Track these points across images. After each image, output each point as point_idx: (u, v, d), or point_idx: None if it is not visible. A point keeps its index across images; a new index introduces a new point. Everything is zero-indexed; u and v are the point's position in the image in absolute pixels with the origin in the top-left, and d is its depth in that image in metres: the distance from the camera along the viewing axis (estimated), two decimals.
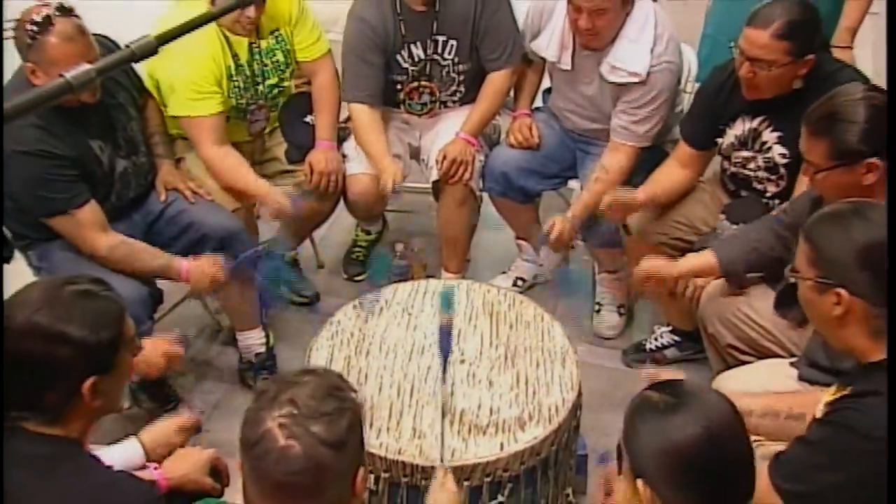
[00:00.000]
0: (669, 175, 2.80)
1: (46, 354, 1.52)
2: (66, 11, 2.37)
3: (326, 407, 1.37)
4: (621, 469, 1.53)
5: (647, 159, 2.89)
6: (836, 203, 1.82)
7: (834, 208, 1.78)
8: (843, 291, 1.65)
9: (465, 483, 2.07)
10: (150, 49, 1.18)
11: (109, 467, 1.65)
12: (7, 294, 1.77)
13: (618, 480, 1.68)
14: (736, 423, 1.45)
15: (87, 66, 1.11)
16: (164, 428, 1.99)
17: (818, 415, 1.70)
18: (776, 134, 2.58)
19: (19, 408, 1.55)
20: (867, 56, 3.20)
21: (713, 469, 1.40)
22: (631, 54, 2.78)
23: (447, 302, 2.41)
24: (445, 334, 2.33)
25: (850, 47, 2.91)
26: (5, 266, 2.51)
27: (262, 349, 2.94)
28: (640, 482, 1.43)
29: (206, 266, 2.63)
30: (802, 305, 1.82)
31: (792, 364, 2.22)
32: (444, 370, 2.27)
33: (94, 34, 2.44)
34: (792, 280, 1.82)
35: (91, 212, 2.52)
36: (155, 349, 2.17)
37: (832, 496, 1.61)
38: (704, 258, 2.48)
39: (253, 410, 1.39)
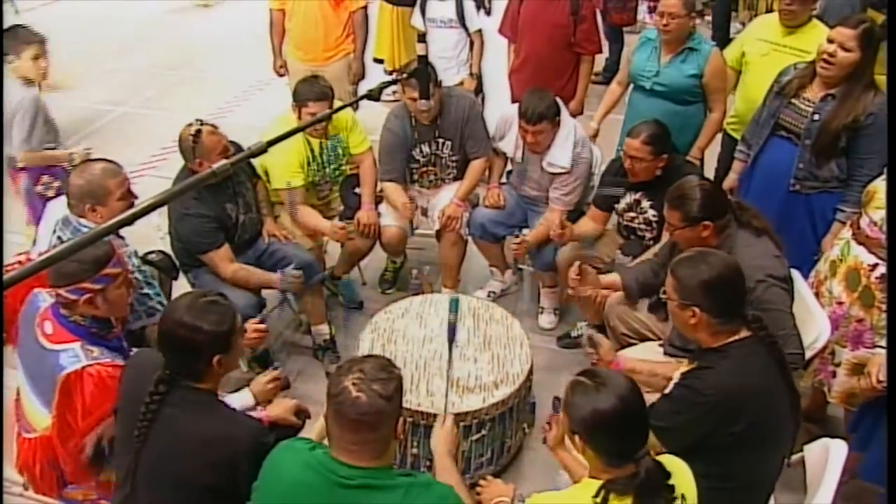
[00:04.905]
0: (586, 226, 2.84)
1: (191, 339, 1.56)
2: (205, 123, 2.48)
3: (381, 375, 1.40)
4: (561, 422, 1.50)
5: (572, 215, 2.93)
6: (690, 251, 1.84)
7: (689, 255, 1.79)
8: (696, 309, 1.70)
9: (461, 423, 2.12)
10: (262, 149, 1.20)
11: (232, 408, 1.69)
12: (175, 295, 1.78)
13: (555, 418, 1.75)
14: (637, 395, 1.42)
15: (224, 161, 1.11)
16: (265, 382, 2.00)
17: (675, 379, 1.77)
18: (649, 203, 2.65)
19: (178, 371, 1.59)
20: (712, 162, 3.26)
21: (624, 427, 1.40)
22: (560, 155, 2.83)
23: (455, 307, 2.44)
24: (452, 328, 2.37)
25: (699, 159, 3.00)
26: (175, 282, 2.60)
27: (328, 336, 2.94)
28: (576, 437, 1.43)
29: (290, 277, 2.63)
30: (670, 314, 1.86)
31: (660, 345, 2.27)
32: (451, 353, 2.29)
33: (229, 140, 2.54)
34: (663, 299, 1.85)
35: (224, 250, 2.58)
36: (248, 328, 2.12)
37: (679, 430, 1.66)
38: (615, 277, 2.51)
39: (335, 376, 1.41)
